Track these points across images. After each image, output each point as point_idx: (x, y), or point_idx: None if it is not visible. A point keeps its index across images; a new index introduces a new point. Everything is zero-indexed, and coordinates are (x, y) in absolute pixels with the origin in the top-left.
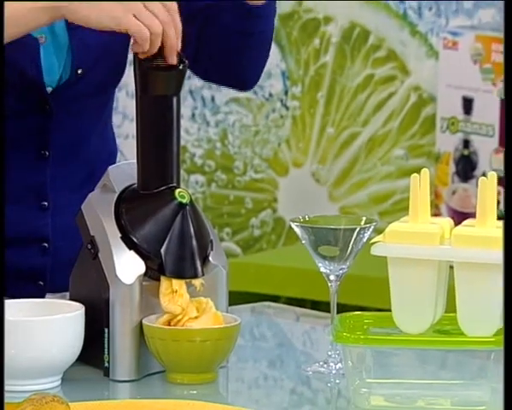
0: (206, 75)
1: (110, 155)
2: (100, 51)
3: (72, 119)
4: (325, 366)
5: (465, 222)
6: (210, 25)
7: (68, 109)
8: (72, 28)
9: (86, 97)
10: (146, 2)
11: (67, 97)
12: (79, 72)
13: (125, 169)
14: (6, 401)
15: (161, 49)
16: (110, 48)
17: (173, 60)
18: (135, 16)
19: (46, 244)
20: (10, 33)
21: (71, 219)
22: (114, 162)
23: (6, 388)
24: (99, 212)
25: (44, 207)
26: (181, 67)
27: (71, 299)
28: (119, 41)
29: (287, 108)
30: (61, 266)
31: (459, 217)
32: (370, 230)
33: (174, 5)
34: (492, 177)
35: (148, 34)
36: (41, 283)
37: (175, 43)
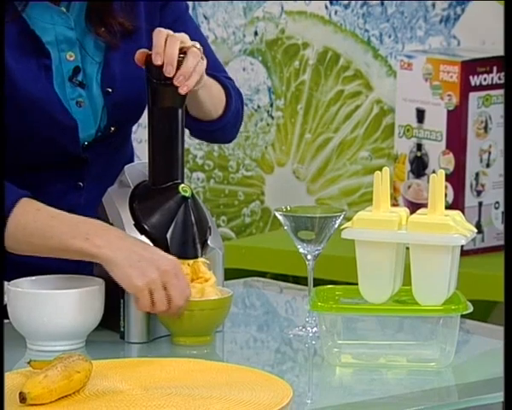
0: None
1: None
2: (131, 110)
3: (104, 158)
4: (303, 329)
5: (418, 211)
6: None
7: (101, 153)
8: (107, 93)
9: (116, 143)
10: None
11: (101, 146)
12: (112, 129)
13: (138, 168)
14: (40, 358)
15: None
16: (140, 103)
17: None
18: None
19: None
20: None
21: None
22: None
23: (40, 348)
24: (116, 203)
25: None
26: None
27: (95, 275)
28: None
29: (272, 118)
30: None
31: (413, 207)
32: (341, 218)
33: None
34: (441, 174)
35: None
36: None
37: (188, 73)
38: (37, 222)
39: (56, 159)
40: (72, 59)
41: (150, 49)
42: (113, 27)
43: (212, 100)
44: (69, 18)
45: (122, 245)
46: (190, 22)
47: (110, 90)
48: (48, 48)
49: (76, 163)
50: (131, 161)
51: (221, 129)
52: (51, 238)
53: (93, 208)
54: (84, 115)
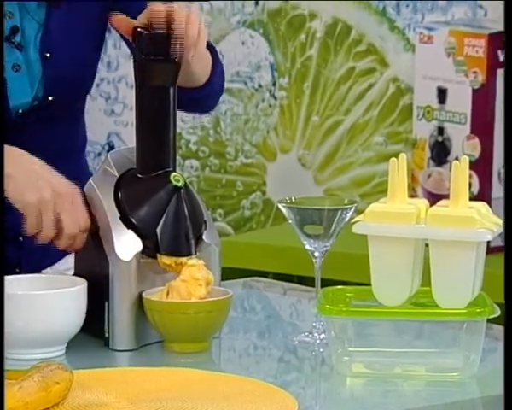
0: None
1: (80, 150)
2: (72, 78)
3: (40, 132)
4: (310, 336)
5: (439, 203)
6: None
7: (38, 125)
8: (46, 58)
9: (56, 117)
10: (172, 4)
11: (38, 118)
12: (50, 99)
13: (124, 154)
14: (15, 368)
15: (162, 42)
16: (82, 72)
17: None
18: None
19: (21, 238)
20: None
21: None
22: (83, 153)
23: (14, 356)
24: (100, 194)
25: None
26: (177, 60)
27: (75, 274)
28: (90, 64)
29: (275, 98)
30: (34, 258)
31: (434, 198)
32: (352, 210)
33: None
34: (464, 161)
35: None
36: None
37: (183, 39)
38: None
39: None
40: (9, 18)
41: (102, 11)
42: None
43: (202, 63)
44: None
45: (21, 163)
46: None
47: (48, 55)
48: None
49: (11, 135)
50: (84, 146)
51: (206, 96)
52: None
53: None
54: (20, 81)
